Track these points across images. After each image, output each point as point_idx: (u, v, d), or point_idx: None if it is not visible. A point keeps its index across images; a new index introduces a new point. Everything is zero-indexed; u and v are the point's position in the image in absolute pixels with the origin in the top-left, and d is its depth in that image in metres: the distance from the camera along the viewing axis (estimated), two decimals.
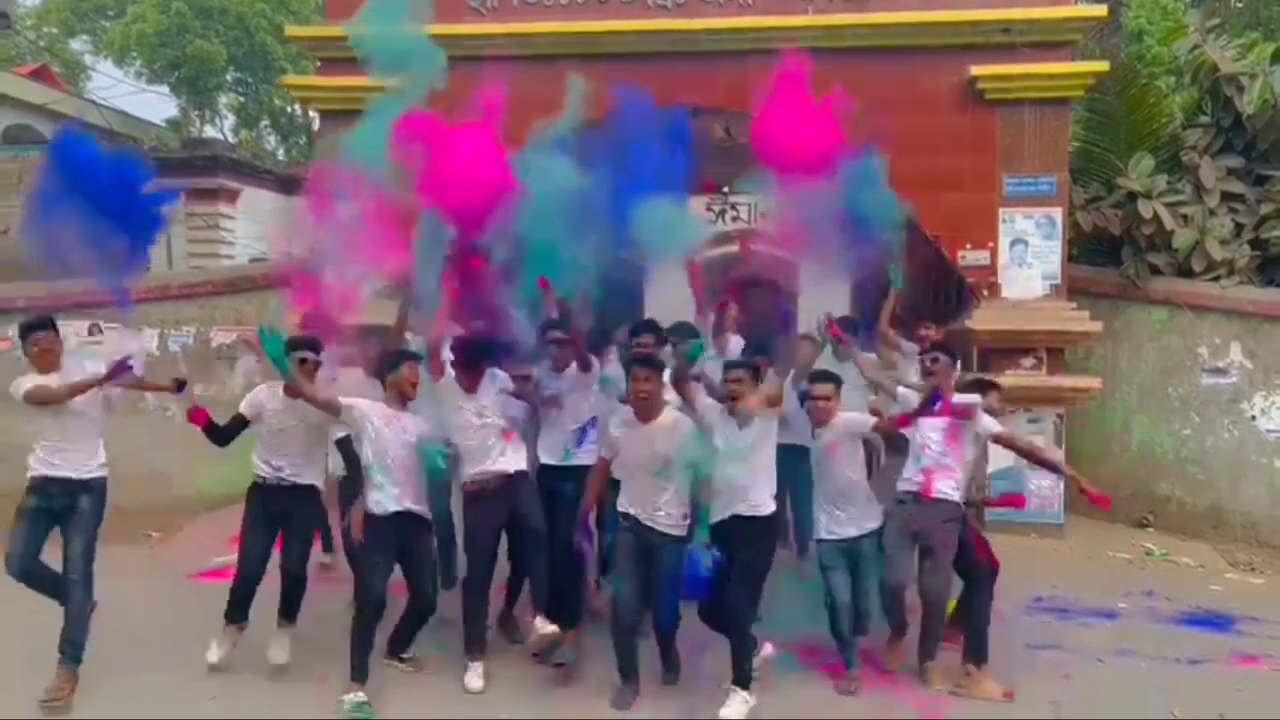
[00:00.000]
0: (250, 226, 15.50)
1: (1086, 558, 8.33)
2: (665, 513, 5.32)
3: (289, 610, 5.91)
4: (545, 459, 6.36)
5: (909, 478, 5.84)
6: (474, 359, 5.75)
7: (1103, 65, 9.14)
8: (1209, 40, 9.75)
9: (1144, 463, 9.45)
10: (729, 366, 5.59)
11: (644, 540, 5.33)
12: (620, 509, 5.43)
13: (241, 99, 26.34)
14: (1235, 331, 9.15)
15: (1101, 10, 8.95)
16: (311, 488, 5.89)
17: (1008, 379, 8.03)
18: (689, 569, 5.20)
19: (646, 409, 5.25)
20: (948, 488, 5.70)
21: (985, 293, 9.14)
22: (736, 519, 5.32)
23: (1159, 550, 8.68)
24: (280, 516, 5.77)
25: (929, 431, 5.76)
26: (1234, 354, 9.14)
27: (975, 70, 8.95)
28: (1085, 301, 9.34)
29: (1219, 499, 9.16)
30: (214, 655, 5.70)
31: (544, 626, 5.63)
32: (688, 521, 5.35)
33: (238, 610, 5.79)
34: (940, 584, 5.70)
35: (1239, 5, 13.26)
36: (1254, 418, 9.05)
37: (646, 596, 5.43)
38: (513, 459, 5.82)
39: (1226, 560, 8.49)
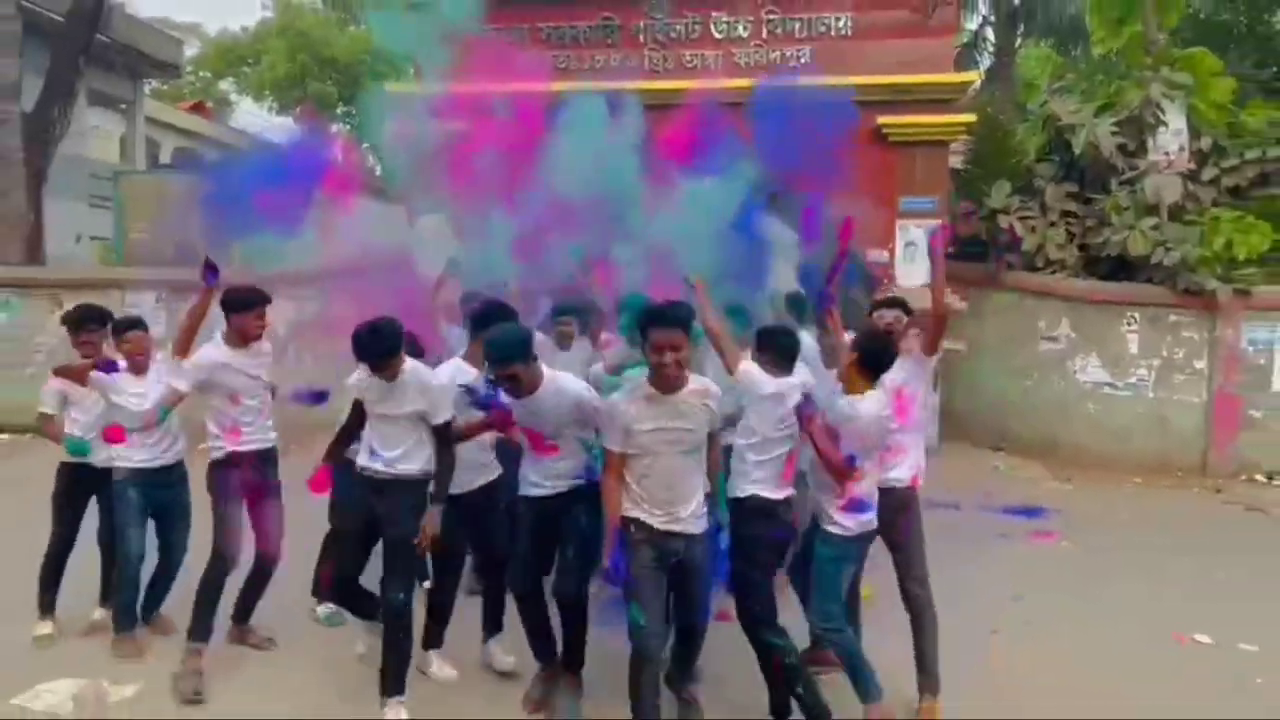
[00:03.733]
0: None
1: (948, 471, 8.73)
2: (694, 503, 3.50)
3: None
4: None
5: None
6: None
7: (971, 118, 9.76)
8: (1054, 98, 10.36)
9: (998, 406, 10.03)
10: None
11: (668, 548, 3.45)
12: (628, 515, 3.45)
13: (349, 129, 27.05)
14: (1065, 311, 9.67)
15: (973, 76, 9.58)
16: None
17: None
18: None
19: (674, 375, 3.35)
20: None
21: (886, 281, 9.85)
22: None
23: (1004, 467, 9.36)
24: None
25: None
26: (1064, 328, 9.68)
27: (881, 119, 9.49)
28: (960, 288, 9.98)
29: (1051, 431, 9.72)
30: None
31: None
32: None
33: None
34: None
35: (1100, 55, 13.53)
36: (1075, 373, 9.62)
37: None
38: None
39: (1051, 474, 9.09)
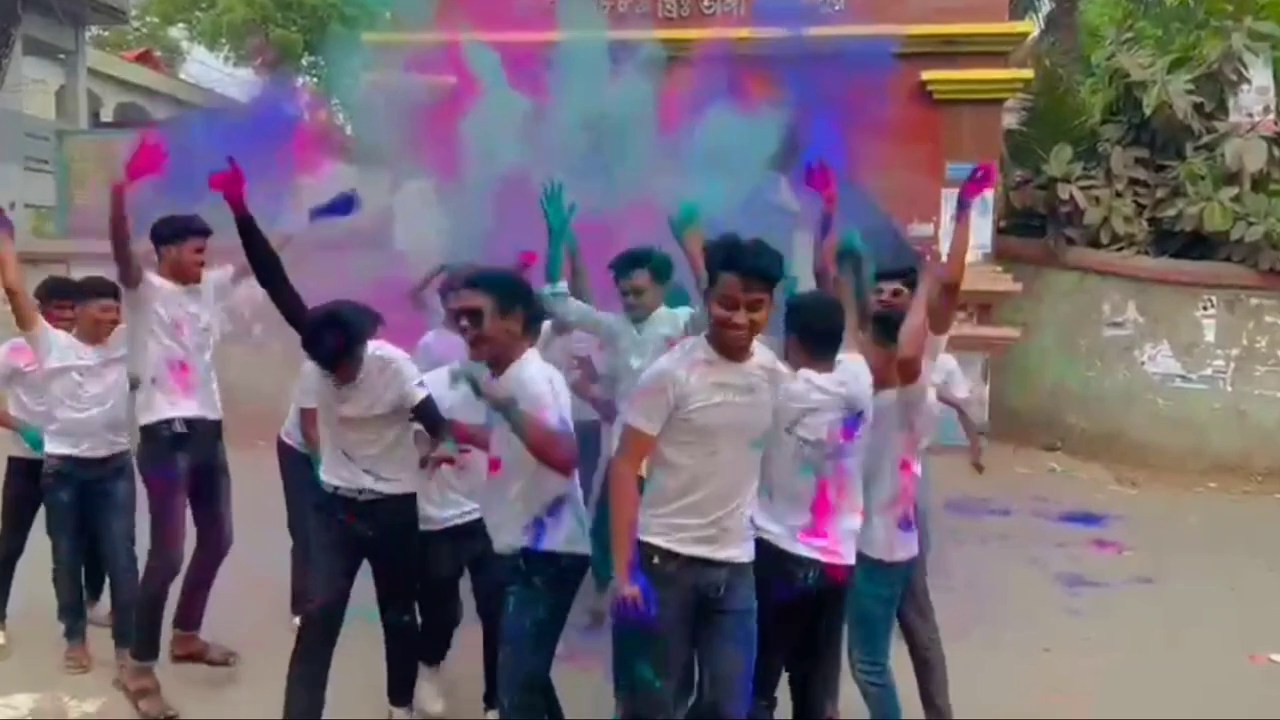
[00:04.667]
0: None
1: (998, 473, 8.82)
2: (742, 519, 2.95)
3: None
4: None
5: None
6: None
7: (1028, 73, 9.83)
8: (1122, 50, 10.42)
9: (1055, 398, 10.13)
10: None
11: (705, 583, 2.88)
12: (649, 539, 2.86)
13: (315, 81, 27.03)
14: (1131, 293, 9.75)
15: (1030, 26, 9.63)
16: None
17: None
18: None
19: (744, 340, 2.83)
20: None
21: (928, 258, 9.92)
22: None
23: (1061, 468, 9.46)
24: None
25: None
26: (1130, 312, 9.76)
27: (925, 75, 9.55)
28: (1013, 266, 9.95)
29: (1114, 428, 9.82)
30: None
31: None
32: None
33: None
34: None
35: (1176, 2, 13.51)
36: (1143, 363, 9.71)
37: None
38: None
39: (1114, 477, 9.20)
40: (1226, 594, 6.03)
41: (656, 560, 2.84)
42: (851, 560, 3.26)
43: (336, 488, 3.66)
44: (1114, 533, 7.40)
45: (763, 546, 3.08)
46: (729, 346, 2.82)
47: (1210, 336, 9.55)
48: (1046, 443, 10.04)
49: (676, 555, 2.84)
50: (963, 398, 4.37)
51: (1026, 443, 9.95)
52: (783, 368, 3.02)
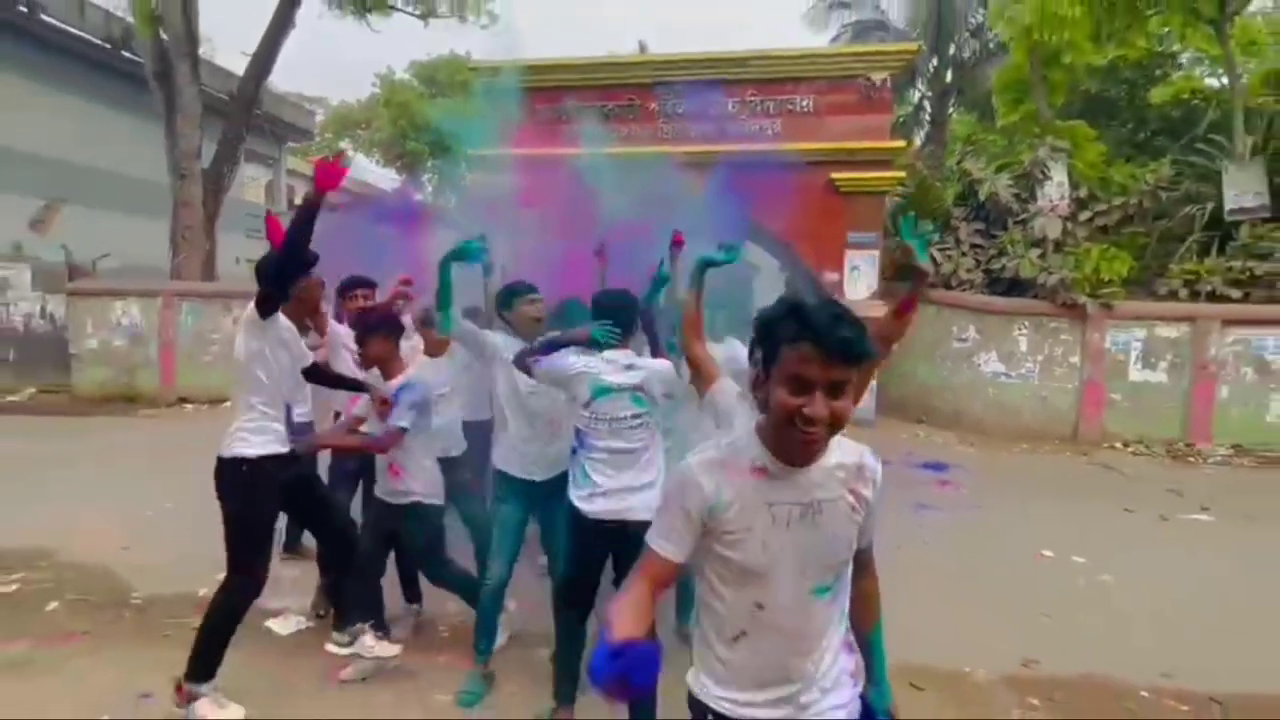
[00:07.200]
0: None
1: (881, 437, 9.00)
2: (829, 675, 1.50)
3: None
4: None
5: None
6: None
7: (903, 174, 10.00)
8: (966, 158, 10.61)
9: (922, 389, 10.26)
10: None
11: None
12: (700, 694, 1.53)
13: (436, 178, 27.41)
14: (972, 319, 9.84)
15: (904, 144, 9.83)
16: None
17: None
18: None
19: (818, 440, 1.41)
20: None
21: (836, 297, 10.13)
22: None
23: (924, 434, 9.60)
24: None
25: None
26: (971, 332, 9.85)
27: (834, 175, 9.77)
28: (892, 302, 10.20)
29: (960, 408, 9.91)
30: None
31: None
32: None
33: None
34: None
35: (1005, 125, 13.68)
36: (980, 366, 9.80)
37: None
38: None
39: (959, 440, 9.32)
40: (1024, 515, 6.19)
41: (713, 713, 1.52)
42: None
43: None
44: (955, 477, 7.53)
45: None
46: (794, 449, 1.48)
47: (1024, 348, 9.62)
48: (916, 417, 10.18)
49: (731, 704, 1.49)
50: None
51: (902, 418, 10.13)
52: (872, 459, 1.60)
